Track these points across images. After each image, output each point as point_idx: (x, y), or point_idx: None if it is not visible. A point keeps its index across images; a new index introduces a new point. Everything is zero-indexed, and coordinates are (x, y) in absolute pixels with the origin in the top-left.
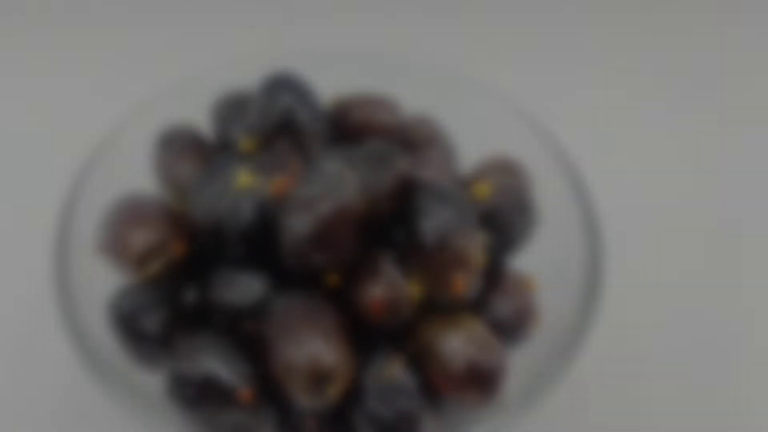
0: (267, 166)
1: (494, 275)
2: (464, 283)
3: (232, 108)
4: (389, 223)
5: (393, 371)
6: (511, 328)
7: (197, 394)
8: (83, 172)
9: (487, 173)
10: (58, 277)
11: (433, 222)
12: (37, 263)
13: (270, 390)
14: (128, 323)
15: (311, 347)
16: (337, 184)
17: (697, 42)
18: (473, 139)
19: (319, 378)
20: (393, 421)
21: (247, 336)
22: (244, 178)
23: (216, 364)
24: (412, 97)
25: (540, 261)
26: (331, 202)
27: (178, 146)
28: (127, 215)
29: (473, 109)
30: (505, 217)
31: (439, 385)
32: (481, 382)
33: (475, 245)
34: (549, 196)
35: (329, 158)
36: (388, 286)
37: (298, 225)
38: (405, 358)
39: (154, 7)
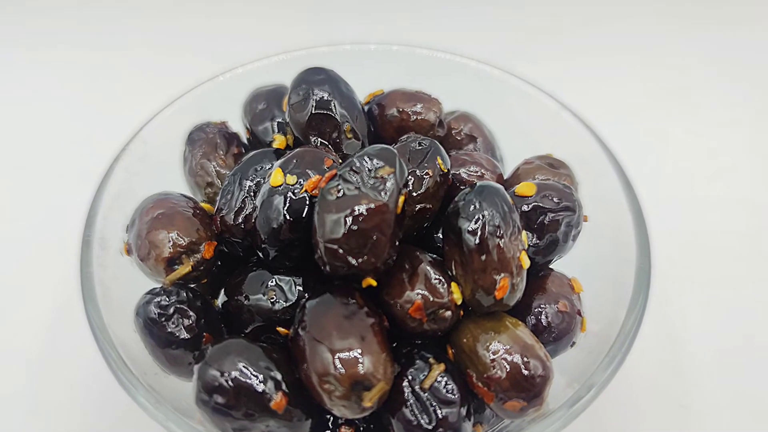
0: (301, 164)
1: (538, 277)
2: (508, 287)
3: (264, 103)
4: (429, 224)
5: (433, 378)
6: (555, 333)
7: (228, 402)
8: (109, 171)
9: (531, 172)
10: (84, 281)
11: (475, 222)
12: (65, 264)
13: (303, 398)
14: (157, 327)
15: (347, 353)
16: (373, 182)
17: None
18: (517, 136)
19: (355, 385)
20: (433, 430)
21: (280, 341)
22: (277, 176)
23: (248, 370)
24: (453, 91)
25: (586, 263)
26: (367, 201)
27: (208, 143)
28: (156, 216)
29: (517, 104)
30: (549, 217)
31: (481, 392)
32: (526, 389)
33: (518, 246)
34: (595, 196)
35: (366, 155)
36: (429, 290)
37: (332, 226)
38: (445, 364)
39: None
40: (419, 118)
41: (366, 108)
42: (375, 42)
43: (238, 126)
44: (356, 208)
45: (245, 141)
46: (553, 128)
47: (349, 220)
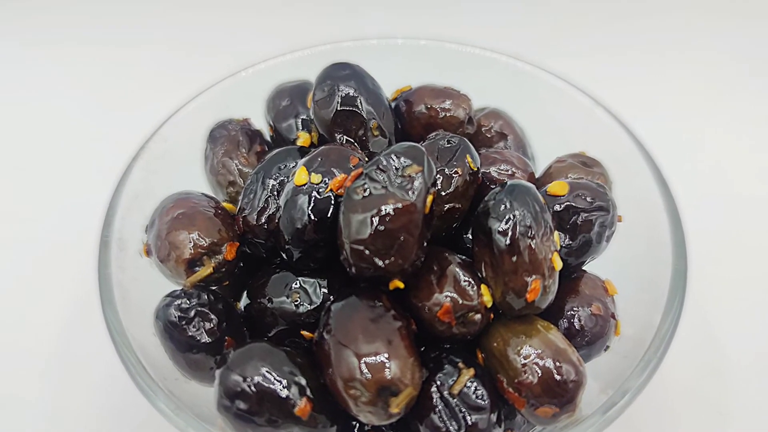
0: (326, 163)
1: (571, 279)
2: (539, 289)
3: (288, 100)
4: (458, 224)
5: (463, 383)
6: (589, 337)
7: (251, 408)
8: (127, 170)
9: (563, 170)
10: (102, 283)
11: (506, 223)
12: (81, 266)
13: (328, 403)
14: (177, 331)
15: (374, 358)
16: (400, 181)
17: None
18: (549, 133)
19: (382, 391)
20: None
21: (304, 345)
22: (301, 175)
23: (271, 375)
24: (483, 87)
25: (620, 264)
26: (394, 201)
27: (230, 140)
28: (176, 216)
29: (549, 100)
30: (582, 217)
31: (512, 398)
32: (558, 394)
33: (550, 247)
34: (630, 195)
35: (393, 153)
36: (458, 292)
37: (358, 226)
38: (475, 369)
39: None
40: (448, 114)
41: (393, 105)
42: (402, 36)
43: (261, 123)
44: (383, 207)
45: (268, 138)
46: (587, 125)
47: (376, 220)
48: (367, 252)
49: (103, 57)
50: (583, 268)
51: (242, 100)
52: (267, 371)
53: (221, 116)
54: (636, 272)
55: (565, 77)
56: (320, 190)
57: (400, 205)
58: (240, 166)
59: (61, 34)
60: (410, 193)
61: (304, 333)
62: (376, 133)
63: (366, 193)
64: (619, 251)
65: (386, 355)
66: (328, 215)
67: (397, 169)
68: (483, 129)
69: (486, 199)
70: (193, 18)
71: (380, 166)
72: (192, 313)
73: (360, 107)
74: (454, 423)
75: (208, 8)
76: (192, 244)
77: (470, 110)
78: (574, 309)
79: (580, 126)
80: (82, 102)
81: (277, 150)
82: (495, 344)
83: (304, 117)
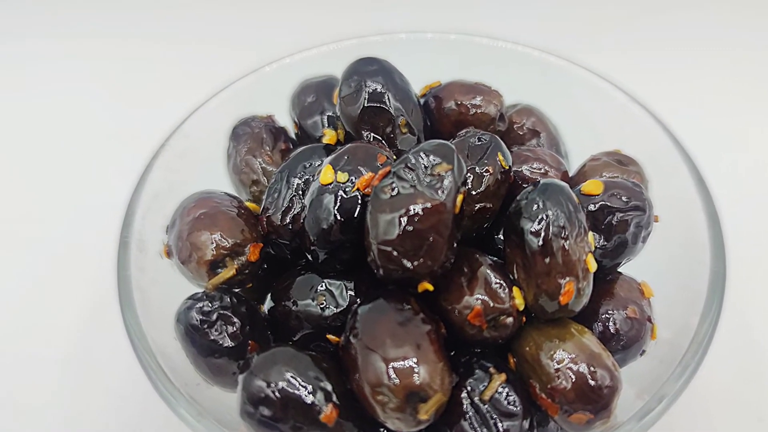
0: (352, 161)
1: (605, 281)
2: (573, 291)
3: (313, 96)
4: (489, 225)
5: (494, 389)
6: (624, 341)
7: (275, 414)
8: (147, 168)
9: (598, 169)
10: (121, 284)
11: (538, 223)
12: (99, 268)
13: (355, 410)
14: (199, 335)
15: (402, 362)
16: (430, 180)
17: None
18: (583, 131)
19: (411, 397)
20: None
21: (330, 350)
22: (327, 173)
23: (296, 380)
24: (514, 83)
25: (657, 266)
26: (423, 200)
27: (253, 138)
28: (198, 216)
29: (583, 97)
30: (617, 217)
31: (545, 404)
32: (592, 400)
33: (584, 249)
34: (667, 195)
35: (422, 151)
36: (489, 295)
37: (386, 227)
38: (507, 374)
39: None
40: (479, 111)
41: (422, 101)
42: (431, 30)
43: (285, 120)
44: (411, 207)
45: (293, 136)
46: (622, 123)
47: (404, 220)
48: (395, 253)
49: (123, 52)
50: (619, 269)
51: (266, 97)
52: (292, 376)
53: (244, 113)
54: (673, 274)
55: (599, 72)
56: (347, 190)
57: (429, 205)
58: (264, 165)
59: (82, 28)
60: (440, 192)
61: (330, 337)
62: (404, 130)
63: (394, 193)
64: (656, 252)
65: (415, 360)
66: (355, 215)
67: (426, 167)
68: (515, 126)
69: (518, 198)
70: (217, 13)
71: (408, 165)
72: (214, 317)
73: (388, 104)
74: (485, 430)
75: (232, 3)
76: (214, 245)
77: (502, 107)
78: (609, 312)
79: (615, 123)
80: (101, 98)
81: (302, 148)
82: (527, 348)
83: (330, 114)
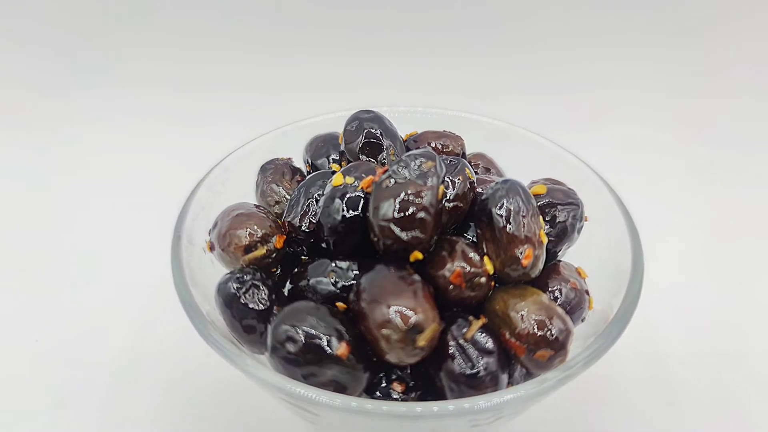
0: (358, 170)
1: (552, 264)
2: (532, 256)
3: (322, 143)
4: (460, 224)
5: (475, 329)
6: (570, 306)
7: (299, 350)
8: (195, 188)
9: (539, 181)
10: (176, 270)
11: (503, 206)
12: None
13: (364, 352)
14: (235, 301)
15: (402, 304)
16: (419, 173)
17: None
18: (522, 174)
19: (411, 329)
20: (477, 377)
21: (341, 310)
22: (338, 178)
23: (316, 323)
24: (470, 139)
25: (588, 259)
26: (414, 187)
27: (276, 171)
28: (236, 215)
29: (520, 147)
30: (558, 209)
31: (513, 347)
32: (552, 342)
33: (538, 225)
34: (594, 209)
35: (412, 155)
36: (466, 261)
37: (386, 208)
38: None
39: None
40: (447, 149)
41: (405, 144)
42: (404, 105)
43: (300, 165)
44: (406, 191)
45: (305, 171)
46: (553, 164)
47: (399, 202)
48: (392, 227)
49: (183, 101)
50: (561, 258)
51: (286, 147)
52: (312, 320)
53: (269, 156)
54: (602, 265)
55: (531, 130)
56: (353, 189)
57: (419, 190)
58: (284, 192)
59: (149, 79)
60: (427, 181)
61: (339, 304)
62: (394, 158)
63: (392, 183)
64: (587, 249)
65: (413, 304)
66: (359, 208)
67: (416, 165)
68: (472, 164)
69: (486, 191)
70: (249, 86)
71: (402, 164)
72: (248, 285)
73: (381, 139)
74: (469, 364)
75: (258, 79)
76: (248, 233)
77: (463, 147)
78: (557, 284)
79: (546, 164)
80: (165, 137)
81: (316, 172)
82: (497, 306)
83: (335, 156)
